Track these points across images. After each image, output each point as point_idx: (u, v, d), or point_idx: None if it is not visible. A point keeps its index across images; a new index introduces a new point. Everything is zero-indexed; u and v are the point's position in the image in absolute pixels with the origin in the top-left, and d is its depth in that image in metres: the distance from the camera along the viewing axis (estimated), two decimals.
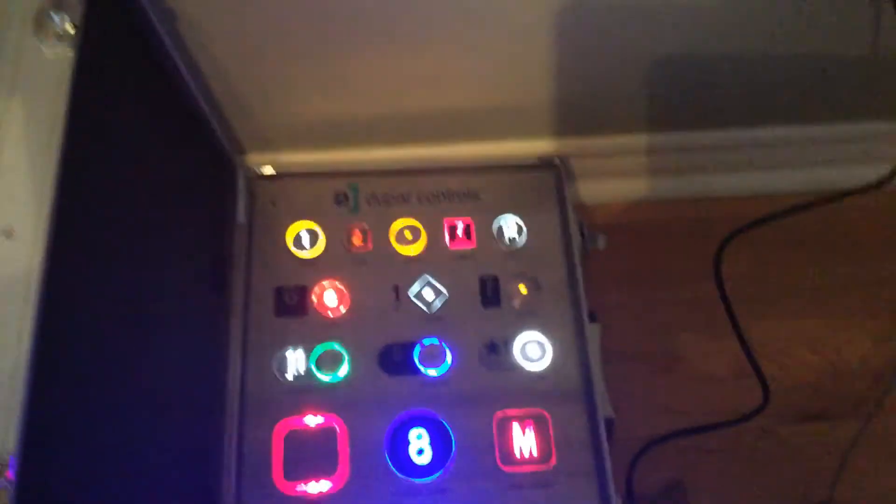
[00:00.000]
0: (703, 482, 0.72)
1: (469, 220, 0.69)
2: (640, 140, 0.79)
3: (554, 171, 0.72)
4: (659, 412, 0.74)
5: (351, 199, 0.70)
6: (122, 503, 0.43)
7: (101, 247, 0.41)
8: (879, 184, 0.65)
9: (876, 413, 0.75)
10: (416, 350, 0.64)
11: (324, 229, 0.68)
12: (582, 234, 0.70)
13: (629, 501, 0.61)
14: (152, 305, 0.50)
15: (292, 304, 0.66)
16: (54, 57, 0.40)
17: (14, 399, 0.33)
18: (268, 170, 0.69)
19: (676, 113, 0.76)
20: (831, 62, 0.69)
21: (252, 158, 0.73)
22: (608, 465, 0.60)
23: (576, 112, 0.73)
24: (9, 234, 0.35)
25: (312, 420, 0.62)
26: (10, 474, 0.31)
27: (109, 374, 0.42)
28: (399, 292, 0.67)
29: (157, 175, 0.54)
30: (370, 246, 0.68)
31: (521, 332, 0.65)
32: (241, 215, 0.68)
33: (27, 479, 0.31)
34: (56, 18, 0.42)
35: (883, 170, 0.66)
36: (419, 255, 0.68)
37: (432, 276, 0.67)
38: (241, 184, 0.68)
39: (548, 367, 0.64)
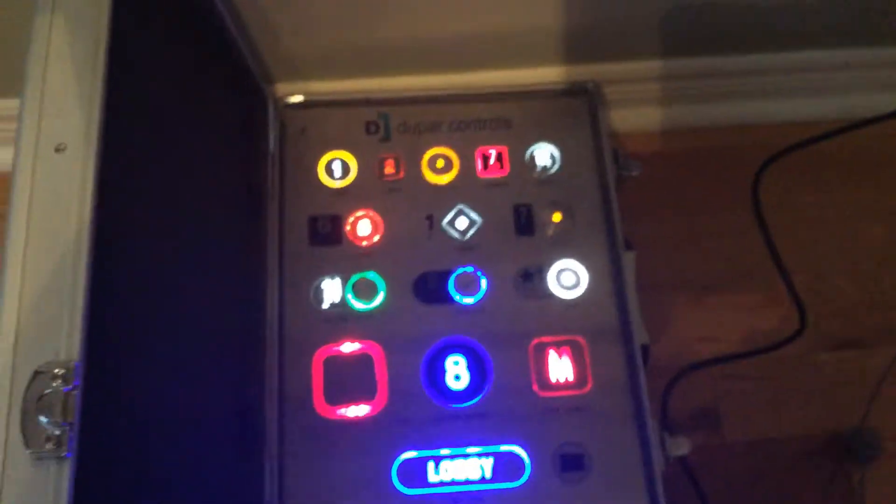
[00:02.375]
0: (737, 409, 0.72)
1: (501, 147, 0.69)
2: (671, 65, 0.77)
3: (587, 96, 0.71)
4: (694, 340, 0.75)
5: (382, 128, 0.69)
6: (170, 421, 0.44)
7: (144, 167, 0.41)
8: None
9: None
10: (451, 278, 0.64)
11: (355, 158, 0.68)
12: (616, 161, 0.69)
13: (664, 426, 0.62)
14: (192, 230, 0.50)
15: (326, 233, 0.66)
16: None
17: (76, 310, 0.33)
18: (297, 98, 0.69)
19: (708, 37, 0.74)
20: None
21: (282, 88, 0.73)
22: (644, 390, 0.60)
23: (606, 36, 0.72)
24: (60, 149, 0.35)
25: (350, 347, 0.62)
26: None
27: (156, 293, 0.42)
28: (433, 221, 0.66)
29: (191, 102, 0.54)
30: (402, 175, 0.68)
31: (555, 260, 0.65)
32: (272, 145, 0.67)
33: (91, 385, 0.32)
34: None
35: None
36: (451, 183, 0.68)
37: (465, 205, 0.67)
38: (271, 112, 0.68)
39: (583, 294, 0.64)
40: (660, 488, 0.58)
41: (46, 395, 0.34)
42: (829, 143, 0.68)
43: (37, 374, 0.34)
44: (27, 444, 0.34)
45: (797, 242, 0.76)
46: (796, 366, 0.74)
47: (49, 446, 0.34)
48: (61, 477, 0.34)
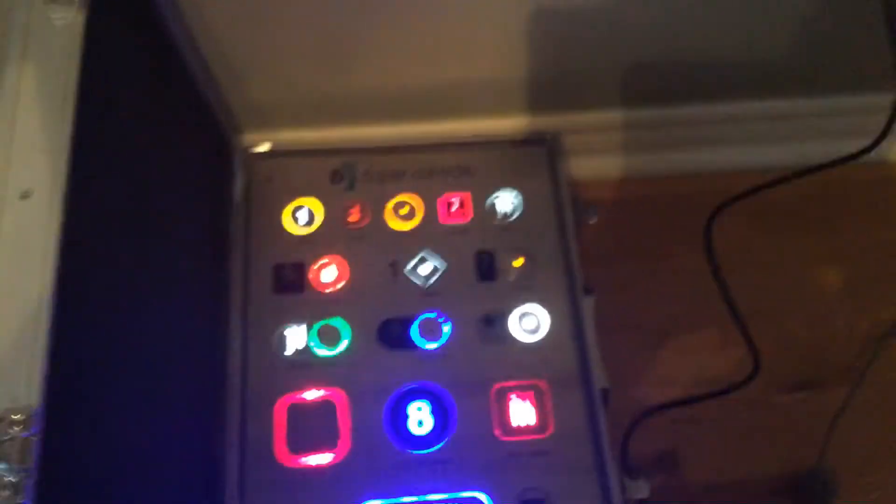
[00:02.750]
0: (696, 451, 0.73)
1: (464, 194, 0.70)
2: (628, 116, 0.80)
3: (546, 146, 0.73)
4: (651, 383, 0.76)
5: (347, 177, 0.70)
6: (130, 468, 0.44)
7: (111, 211, 0.42)
8: (859, 154, 0.67)
9: (863, 380, 0.77)
10: (415, 324, 0.65)
11: (322, 205, 0.69)
12: (575, 208, 0.71)
13: (624, 469, 0.62)
14: (157, 277, 0.50)
15: (290, 280, 0.66)
16: (63, 23, 0.40)
17: (36, 356, 0.33)
18: (264, 147, 0.70)
19: (665, 88, 0.77)
20: (815, 35, 0.71)
21: (249, 137, 0.74)
22: (604, 433, 0.61)
23: (567, 88, 0.74)
24: (26, 195, 0.35)
25: (313, 394, 0.62)
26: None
27: (120, 340, 0.42)
28: (396, 267, 0.67)
29: (158, 149, 0.54)
30: (367, 221, 0.69)
31: (517, 304, 0.66)
32: (237, 193, 0.68)
33: (51, 431, 0.32)
34: None
35: (867, 143, 0.67)
36: (415, 230, 0.69)
37: (429, 251, 0.68)
38: (237, 161, 0.69)
39: (544, 338, 0.65)
40: None
41: (4, 441, 0.33)
42: (780, 189, 0.71)
43: None
44: None
45: (750, 286, 0.78)
46: (753, 407, 0.75)
47: (5, 493, 0.33)
48: None
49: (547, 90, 0.75)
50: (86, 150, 0.37)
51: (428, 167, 0.71)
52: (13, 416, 0.33)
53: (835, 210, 0.85)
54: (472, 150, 0.72)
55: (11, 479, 0.34)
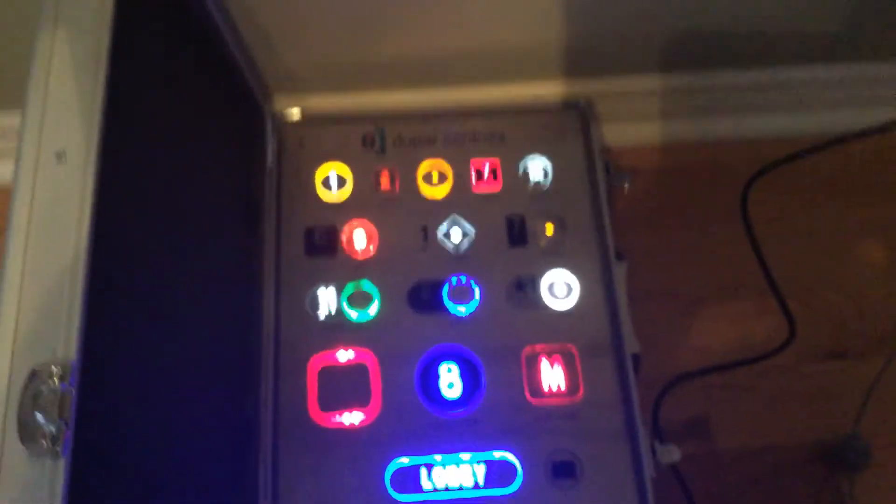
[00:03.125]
0: (728, 418, 0.73)
1: (495, 161, 0.70)
2: (664, 81, 0.79)
3: (579, 112, 0.72)
4: (685, 350, 0.75)
5: (378, 142, 0.70)
6: (165, 422, 0.45)
7: (143, 175, 0.43)
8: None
9: None
10: (445, 288, 0.65)
11: (352, 171, 0.69)
12: (608, 174, 0.70)
13: (655, 434, 0.62)
14: (190, 239, 0.51)
15: (322, 244, 0.67)
16: None
17: (74, 310, 0.34)
18: (295, 113, 0.70)
19: (701, 53, 0.76)
20: (856, 0, 0.69)
21: (280, 102, 0.74)
22: (635, 398, 0.61)
23: (600, 53, 0.73)
24: (61, 157, 0.36)
25: (344, 355, 0.63)
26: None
27: (154, 298, 0.43)
28: (427, 233, 0.67)
29: (190, 115, 0.55)
30: (397, 188, 0.69)
31: (547, 270, 0.66)
32: (270, 159, 0.69)
33: (87, 383, 0.33)
34: None
35: None
36: (446, 196, 0.69)
37: (459, 217, 0.68)
38: (269, 127, 0.69)
39: (575, 304, 0.65)
40: (650, 496, 0.58)
41: (43, 393, 0.35)
42: (818, 158, 0.69)
43: (34, 372, 0.35)
44: (23, 442, 0.35)
45: (786, 255, 0.77)
46: (786, 375, 0.75)
47: (45, 444, 0.35)
48: (56, 474, 0.35)
49: (582, 55, 0.74)
50: (119, 112, 0.38)
51: (459, 133, 0.71)
52: (52, 369, 0.35)
53: (874, 180, 0.83)
54: (503, 117, 0.72)
55: (51, 429, 0.35)
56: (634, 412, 0.61)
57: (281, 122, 0.70)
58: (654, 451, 0.60)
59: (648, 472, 0.59)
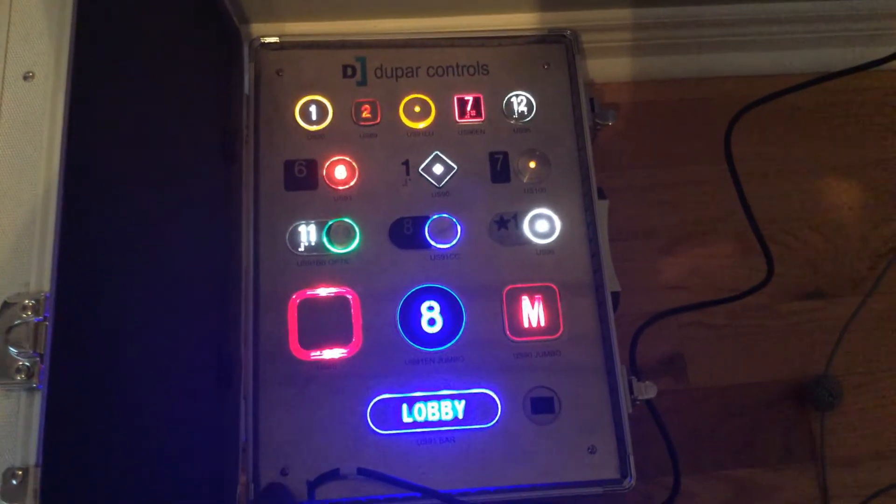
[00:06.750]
0: (703, 356, 0.74)
1: (478, 94, 0.68)
2: (646, 14, 0.77)
3: (565, 44, 0.70)
4: (663, 289, 0.76)
5: (359, 72, 0.68)
6: (142, 355, 0.44)
7: (115, 98, 0.41)
8: (884, 60, 0.64)
9: (872, 292, 0.76)
10: (427, 224, 0.64)
11: (331, 102, 0.67)
12: (592, 110, 0.69)
13: (632, 371, 0.63)
14: (166, 168, 0.50)
15: (302, 177, 0.65)
16: None
17: (46, 241, 0.33)
18: (273, 39, 0.67)
19: None
20: None
21: (258, 28, 0.71)
22: (614, 336, 0.62)
23: None
24: (28, 76, 0.34)
25: (325, 291, 0.62)
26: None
27: (128, 228, 0.42)
28: (409, 166, 0.66)
29: (164, 37, 0.53)
30: (379, 119, 0.67)
31: (530, 207, 0.66)
32: (247, 86, 0.66)
33: (62, 316, 0.32)
34: None
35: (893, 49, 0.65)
36: (428, 129, 0.67)
37: (442, 151, 0.67)
38: (246, 53, 0.67)
39: (556, 241, 0.65)
40: (626, 430, 0.59)
41: (16, 326, 0.34)
42: (800, 97, 0.69)
43: (6, 304, 0.34)
44: None
45: (765, 195, 0.77)
46: (761, 314, 0.76)
47: (20, 377, 0.34)
48: (32, 408, 0.34)
49: None
50: (89, 32, 0.36)
51: (442, 64, 0.69)
52: (25, 302, 0.34)
53: (855, 120, 0.83)
54: (487, 47, 0.70)
55: (25, 363, 0.34)
56: (613, 350, 0.61)
57: (258, 49, 0.67)
58: (631, 388, 0.61)
59: (625, 407, 0.60)
